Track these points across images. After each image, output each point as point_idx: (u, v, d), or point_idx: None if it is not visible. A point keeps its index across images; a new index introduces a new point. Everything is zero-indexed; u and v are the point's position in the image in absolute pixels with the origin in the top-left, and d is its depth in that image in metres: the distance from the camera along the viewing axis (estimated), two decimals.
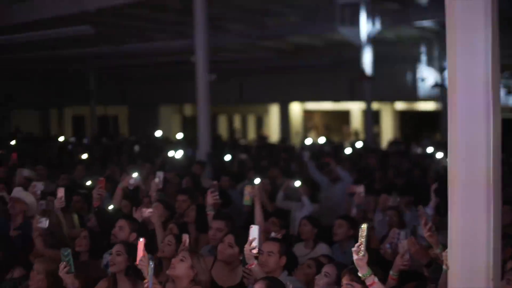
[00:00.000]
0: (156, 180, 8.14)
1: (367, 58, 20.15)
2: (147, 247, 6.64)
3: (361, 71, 20.49)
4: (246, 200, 7.12)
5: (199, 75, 14.25)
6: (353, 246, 4.45)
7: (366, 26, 19.31)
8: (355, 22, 19.11)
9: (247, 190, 7.13)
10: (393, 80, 25.28)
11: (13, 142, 20.72)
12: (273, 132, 33.09)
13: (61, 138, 23.24)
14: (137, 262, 5.14)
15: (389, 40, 21.75)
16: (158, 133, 23.52)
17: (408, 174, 12.81)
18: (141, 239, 5.23)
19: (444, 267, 4.47)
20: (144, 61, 23.65)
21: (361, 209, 8.65)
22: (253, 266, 5.22)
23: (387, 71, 23.68)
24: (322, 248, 7.14)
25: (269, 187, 10.53)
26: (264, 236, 6.63)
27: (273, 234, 6.34)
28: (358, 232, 4.52)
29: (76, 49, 19.99)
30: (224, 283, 5.73)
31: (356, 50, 20.31)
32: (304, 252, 7.18)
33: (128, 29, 18.64)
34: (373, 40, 19.90)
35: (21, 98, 30.41)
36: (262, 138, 25.85)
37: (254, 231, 5.22)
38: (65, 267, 5.37)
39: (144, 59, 23.08)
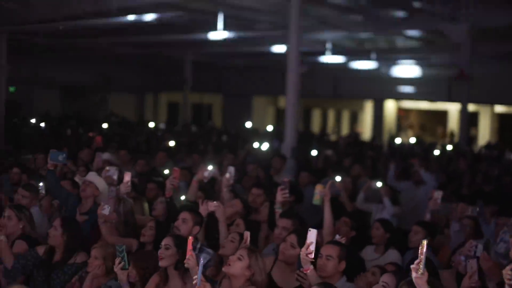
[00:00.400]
0: (227, 175, 7.83)
1: (466, 57, 19.37)
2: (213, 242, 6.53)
3: (459, 70, 19.74)
4: (316, 199, 6.85)
5: (289, 67, 14.00)
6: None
7: (465, 23, 18.51)
8: (456, 18, 18.36)
9: (317, 189, 6.86)
10: (492, 81, 24.31)
11: (105, 126, 21.16)
12: (367, 129, 32.55)
13: (152, 124, 23.57)
14: (185, 261, 5.00)
15: (490, 38, 20.84)
16: (248, 124, 23.49)
17: (497, 181, 12.21)
18: (190, 237, 5.07)
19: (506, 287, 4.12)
20: (238, 50, 23.60)
21: (441, 216, 8.25)
22: (308, 271, 4.97)
23: (486, 71, 22.80)
24: (392, 255, 6.80)
25: (350, 185, 10.23)
26: (333, 237, 6.36)
27: (337, 237, 6.05)
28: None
29: (172, 35, 20.14)
30: (284, 285, 5.49)
31: (456, 47, 19.58)
32: (373, 256, 6.87)
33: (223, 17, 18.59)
34: (473, 38, 19.09)
35: (119, 82, 31.01)
36: (352, 134, 25.37)
37: (311, 235, 4.96)
38: (119, 263, 5.28)
39: (238, 48, 23.02)
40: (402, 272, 5.06)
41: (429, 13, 17.91)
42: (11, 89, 25.19)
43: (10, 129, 21.69)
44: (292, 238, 5.55)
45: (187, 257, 4.98)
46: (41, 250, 6.25)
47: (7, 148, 18.46)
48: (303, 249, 4.95)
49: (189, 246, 4.98)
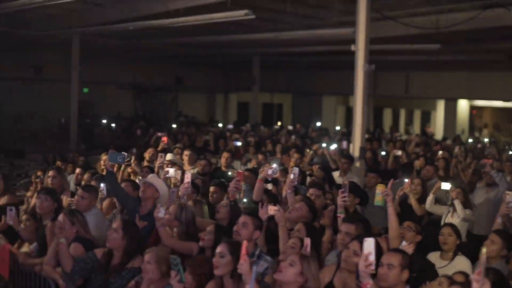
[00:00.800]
0: (291, 176, 7.46)
1: None
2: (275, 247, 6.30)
3: None
4: (378, 200, 6.49)
5: (358, 65, 13.67)
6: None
7: None
8: None
9: (378, 189, 6.49)
10: None
11: (174, 126, 21.27)
12: (439, 129, 31.80)
13: (220, 124, 23.59)
14: (238, 265, 4.77)
15: None
16: (318, 124, 23.25)
17: None
18: (245, 241, 4.86)
19: None
20: (307, 49, 23.32)
21: None
22: (368, 286, 4.54)
23: None
24: (461, 262, 6.43)
25: (419, 187, 9.85)
26: (400, 241, 6.06)
27: (403, 243, 5.73)
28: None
29: (240, 34, 20.07)
30: None
31: None
32: (439, 263, 6.50)
33: (291, 15, 18.41)
34: None
35: (189, 82, 31.20)
36: (424, 134, 24.71)
37: (368, 245, 4.55)
38: (176, 276, 5.04)
39: (308, 47, 22.77)
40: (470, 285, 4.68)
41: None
42: (85, 90, 25.73)
43: (83, 129, 22.13)
44: (355, 245, 5.23)
45: (240, 262, 4.75)
46: (99, 253, 6.18)
47: (79, 147, 18.79)
48: (361, 261, 4.57)
49: (243, 251, 4.76)
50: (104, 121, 23.91)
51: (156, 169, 9.05)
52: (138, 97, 31.62)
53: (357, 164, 12.58)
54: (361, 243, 5.09)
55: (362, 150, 13.20)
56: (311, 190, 7.83)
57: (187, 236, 6.53)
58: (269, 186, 8.56)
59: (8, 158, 18.85)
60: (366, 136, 15.10)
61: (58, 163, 12.21)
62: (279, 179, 9.18)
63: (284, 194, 7.80)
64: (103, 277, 6.00)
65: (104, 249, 6.18)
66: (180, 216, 6.54)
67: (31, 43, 22.22)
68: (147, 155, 11.06)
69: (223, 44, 23.13)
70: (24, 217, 7.72)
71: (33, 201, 8.74)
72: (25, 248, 7.36)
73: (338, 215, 6.55)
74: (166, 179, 7.84)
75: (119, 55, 26.59)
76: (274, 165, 7.89)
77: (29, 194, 10.07)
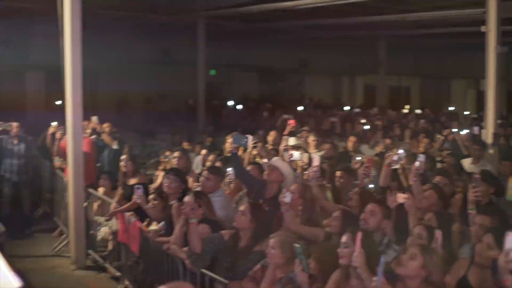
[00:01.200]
0: (416, 164, 7.14)
1: None
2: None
3: None
4: (510, 194, 6.10)
5: (489, 47, 13.08)
6: None
7: None
8: None
9: None
10: None
11: (300, 108, 21.19)
12: None
13: (347, 107, 23.31)
14: (353, 258, 4.62)
15: None
16: (451, 108, 22.58)
17: None
18: (359, 232, 4.67)
19: None
20: (435, 31, 22.59)
21: None
22: (508, 283, 4.22)
23: None
24: None
25: None
26: None
27: None
28: None
29: (366, 16, 19.69)
30: None
31: None
32: None
33: None
34: None
35: (315, 64, 31.02)
36: None
37: (511, 239, 4.20)
38: (300, 264, 4.92)
39: (436, 28, 22.06)
40: None
41: None
42: (212, 72, 26.09)
43: (210, 110, 22.48)
44: (489, 238, 4.91)
45: (354, 254, 4.60)
46: (225, 235, 6.18)
47: (207, 129, 19.09)
48: (501, 256, 4.25)
49: (357, 242, 4.59)
50: (231, 102, 24.16)
51: (280, 153, 8.99)
52: (264, 80, 31.75)
53: (491, 151, 12.03)
54: (496, 236, 4.80)
55: (496, 136, 12.60)
56: (437, 178, 7.53)
57: (310, 215, 6.43)
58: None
59: (140, 138, 19.39)
60: (499, 121, 14.43)
61: (185, 144, 12.39)
62: (405, 166, 8.88)
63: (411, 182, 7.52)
64: (231, 259, 5.98)
65: (231, 231, 6.19)
66: (304, 195, 6.45)
67: (160, 27, 22.71)
68: (270, 138, 11.02)
69: (348, 27, 22.78)
70: (151, 196, 7.86)
71: (158, 180, 8.90)
72: (153, 227, 7.49)
73: (469, 211, 6.19)
74: (291, 163, 7.74)
75: (245, 37, 26.73)
76: (400, 151, 7.63)
77: (157, 173, 10.29)
